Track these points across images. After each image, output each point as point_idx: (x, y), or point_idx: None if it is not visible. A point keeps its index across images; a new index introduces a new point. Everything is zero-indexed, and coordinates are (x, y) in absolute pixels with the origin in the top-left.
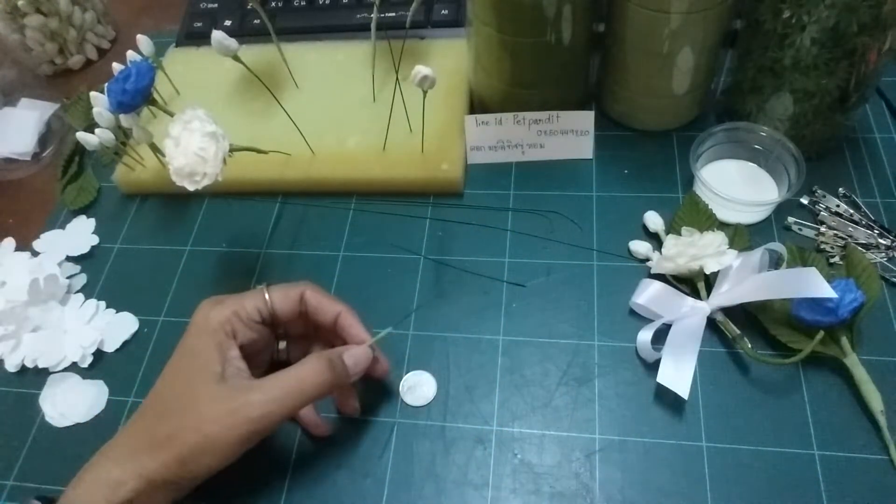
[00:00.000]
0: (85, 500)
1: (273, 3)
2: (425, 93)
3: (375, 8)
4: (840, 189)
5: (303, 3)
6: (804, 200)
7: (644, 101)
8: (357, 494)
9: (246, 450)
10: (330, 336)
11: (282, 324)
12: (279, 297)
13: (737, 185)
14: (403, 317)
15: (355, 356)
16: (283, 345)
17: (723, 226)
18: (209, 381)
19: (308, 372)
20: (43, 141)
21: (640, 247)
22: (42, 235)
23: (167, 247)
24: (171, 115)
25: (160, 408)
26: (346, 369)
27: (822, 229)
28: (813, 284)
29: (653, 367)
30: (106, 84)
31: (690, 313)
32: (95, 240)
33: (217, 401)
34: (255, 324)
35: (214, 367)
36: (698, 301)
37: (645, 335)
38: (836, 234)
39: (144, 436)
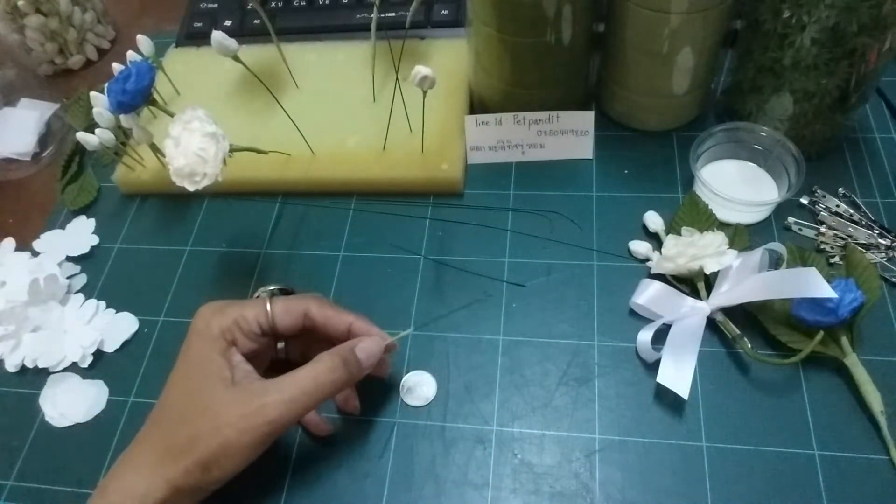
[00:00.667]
0: None
1: (273, 3)
2: (425, 93)
3: (375, 8)
4: (840, 189)
5: (303, 3)
6: (804, 200)
7: (644, 101)
8: (357, 494)
9: (263, 450)
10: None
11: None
12: (281, 312)
13: (737, 185)
14: (434, 318)
15: (367, 350)
16: (281, 345)
17: (723, 226)
18: (221, 386)
19: (322, 370)
20: (43, 141)
21: (640, 247)
22: (42, 235)
23: (167, 247)
24: (171, 115)
25: (175, 416)
26: (360, 364)
27: (822, 229)
28: (813, 284)
29: (653, 367)
30: (106, 84)
31: (690, 313)
32: (95, 240)
33: (233, 405)
34: (255, 335)
35: (224, 373)
36: (698, 301)
37: (645, 335)
38: (836, 234)
39: (164, 444)
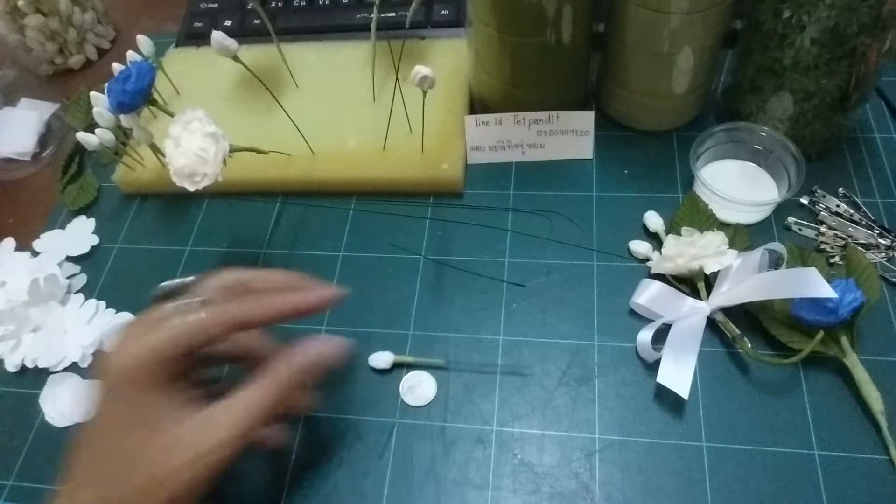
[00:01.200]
0: None
1: (273, 3)
2: (425, 93)
3: (375, 8)
4: (840, 189)
5: (303, 3)
6: (804, 200)
7: (644, 101)
8: (357, 494)
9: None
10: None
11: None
12: (211, 326)
13: (737, 185)
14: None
15: (299, 364)
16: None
17: (723, 226)
18: (166, 425)
19: (269, 394)
20: (43, 141)
21: (640, 247)
22: (42, 235)
23: (167, 247)
24: (172, 115)
25: (118, 463)
26: (302, 376)
27: (822, 229)
28: (813, 284)
29: (653, 367)
30: (106, 84)
31: (690, 313)
32: (95, 240)
33: (182, 446)
34: (185, 356)
35: (165, 409)
36: (698, 301)
37: (645, 335)
38: (836, 234)
39: (114, 494)
